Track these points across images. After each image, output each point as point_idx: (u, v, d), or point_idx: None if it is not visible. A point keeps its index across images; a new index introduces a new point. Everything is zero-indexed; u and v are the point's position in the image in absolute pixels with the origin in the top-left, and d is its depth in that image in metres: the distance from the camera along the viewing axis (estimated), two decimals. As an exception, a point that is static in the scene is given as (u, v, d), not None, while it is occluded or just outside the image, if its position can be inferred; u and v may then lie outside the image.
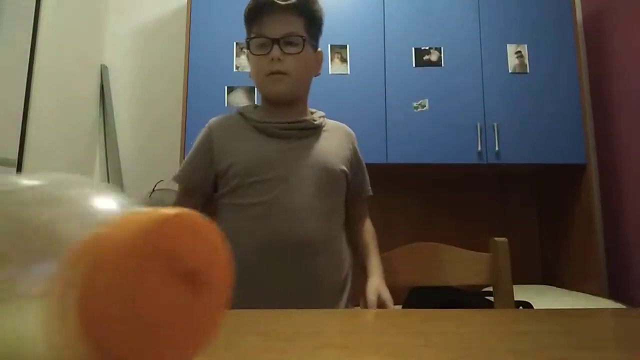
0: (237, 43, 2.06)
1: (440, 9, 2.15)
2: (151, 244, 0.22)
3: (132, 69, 2.52)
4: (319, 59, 1.16)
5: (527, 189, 2.44)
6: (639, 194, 2.04)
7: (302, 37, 1.03)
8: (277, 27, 1.00)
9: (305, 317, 0.43)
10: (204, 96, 2.03)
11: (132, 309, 0.20)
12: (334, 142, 1.09)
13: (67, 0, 2.13)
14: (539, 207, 2.41)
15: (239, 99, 2.04)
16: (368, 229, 1.14)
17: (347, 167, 1.07)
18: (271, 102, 1.06)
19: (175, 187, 1.11)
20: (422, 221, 2.39)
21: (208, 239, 0.26)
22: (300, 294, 0.91)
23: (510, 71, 2.10)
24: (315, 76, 1.16)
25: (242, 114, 1.07)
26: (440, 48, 2.11)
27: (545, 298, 1.84)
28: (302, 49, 1.03)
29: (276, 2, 1.00)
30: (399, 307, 1.90)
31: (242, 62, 2.06)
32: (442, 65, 2.10)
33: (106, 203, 0.25)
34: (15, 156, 1.77)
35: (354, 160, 1.12)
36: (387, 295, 0.93)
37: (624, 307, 1.78)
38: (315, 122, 1.08)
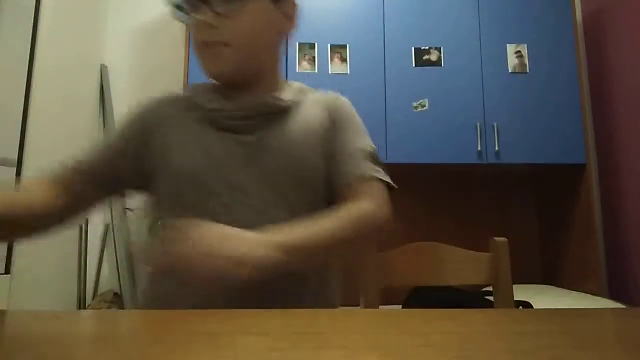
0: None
1: (440, 9, 2.15)
2: None
3: (132, 68, 2.52)
4: (286, 11, 0.78)
5: (527, 189, 2.44)
6: (639, 194, 2.04)
7: None
8: None
9: (305, 317, 0.43)
10: (204, 96, 2.03)
11: None
12: (309, 123, 0.78)
13: (67, 0, 2.13)
14: (539, 207, 2.41)
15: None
16: (347, 208, 0.71)
17: (324, 153, 0.78)
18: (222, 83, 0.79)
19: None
20: (422, 221, 2.39)
21: None
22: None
23: (510, 71, 2.10)
24: (287, 35, 0.81)
25: (187, 96, 0.81)
26: (440, 48, 2.11)
27: (545, 298, 1.84)
28: (244, 3, 0.72)
29: None
30: (399, 306, 1.90)
31: (242, 62, 2.06)
32: (442, 65, 2.10)
33: None
34: (15, 156, 1.77)
35: (337, 138, 0.79)
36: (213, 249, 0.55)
37: (624, 307, 1.78)
38: (283, 103, 0.78)
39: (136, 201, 2.25)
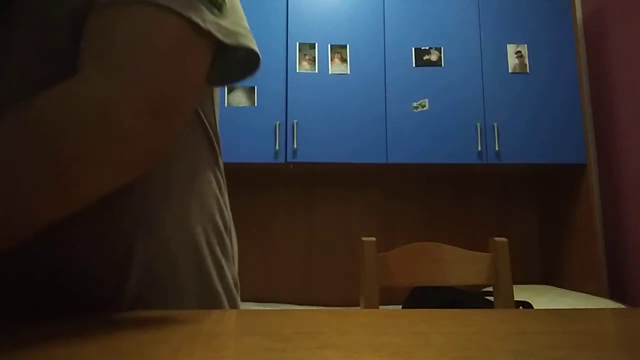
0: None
1: (440, 9, 2.15)
2: None
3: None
4: None
5: (527, 189, 2.44)
6: (639, 194, 2.04)
7: None
8: None
9: (305, 317, 0.43)
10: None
11: None
12: None
13: None
14: (539, 207, 2.41)
15: (239, 99, 2.04)
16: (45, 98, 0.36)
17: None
18: None
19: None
20: (422, 221, 2.39)
21: None
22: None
23: (510, 71, 2.10)
24: None
25: None
26: (441, 48, 2.11)
27: (545, 298, 1.84)
28: None
29: None
30: (399, 306, 1.90)
31: (242, 62, 2.06)
32: (442, 65, 2.10)
33: None
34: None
35: None
36: None
37: (624, 307, 1.78)
38: None
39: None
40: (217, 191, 0.56)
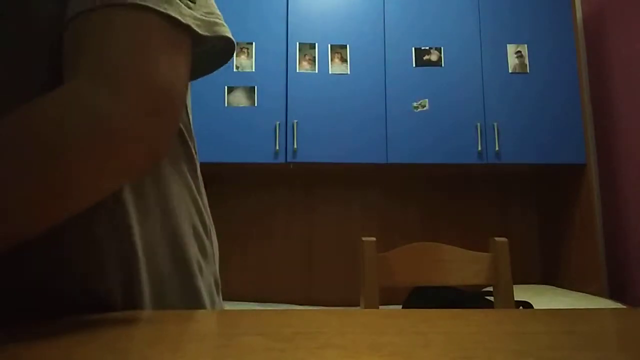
0: (237, 43, 2.06)
1: (440, 9, 2.15)
2: None
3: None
4: None
5: (527, 189, 2.44)
6: (639, 194, 2.04)
7: None
8: None
9: (305, 317, 0.43)
10: (203, 96, 2.03)
11: None
12: None
13: None
14: (539, 207, 2.41)
15: (239, 99, 2.04)
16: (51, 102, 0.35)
17: None
18: None
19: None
20: (422, 221, 2.39)
21: None
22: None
23: (510, 71, 2.11)
24: None
25: None
26: (441, 48, 2.11)
27: (545, 298, 1.85)
28: None
29: None
30: (399, 306, 1.90)
31: (242, 62, 2.06)
32: (442, 65, 2.10)
33: None
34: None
35: None
36: None
37: (624, 307, 1.78)
38: None
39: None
40: (195, 191, 0.55)
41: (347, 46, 2.11)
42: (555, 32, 2.14)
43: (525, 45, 2.13)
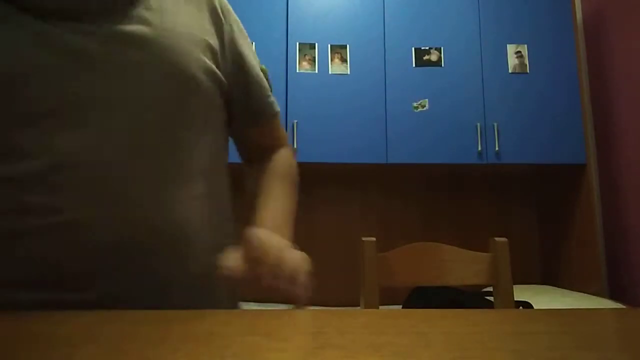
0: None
1: (440, 9, 2.15)
2: None
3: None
4: None
5: (527, 189, 2.44)
6: (639, 194, 2.04)
7: None
8: None
9: (305, 317, 0.43)
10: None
11: None
12: (181, 15, 0.57)
13: None
14: (539, 207, 2.41)
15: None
16: (279, 165, 0.70)
17: (213, 64, 0.58)
18: None
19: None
20: (422, 221, 2.39)
21: None
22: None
23: (510, 71, 2.11)
24: None
25: None
26: (441, 48, 2.12)
27: (545, 298, 1.85)
28: None
29: None
30: (399, 306, 1.90)
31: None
32: (442, 65, 2.10)
33: None
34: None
35: (232, 48, 0.63)
36: (291, 255, 0.51)
37: (624, 307, 1.78)
38: None
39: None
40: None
41: (347, 46, 2.11)
42: (555, 32, 2.14)
43: (525, 46, 2.13)
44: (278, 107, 0.73)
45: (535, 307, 1.69)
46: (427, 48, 2.12)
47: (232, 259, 0.49)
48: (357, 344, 0.32)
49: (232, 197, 0.69)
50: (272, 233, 0.55)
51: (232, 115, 0.68)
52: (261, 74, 0.69)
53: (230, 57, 0.63)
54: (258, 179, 0.69)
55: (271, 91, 0.71)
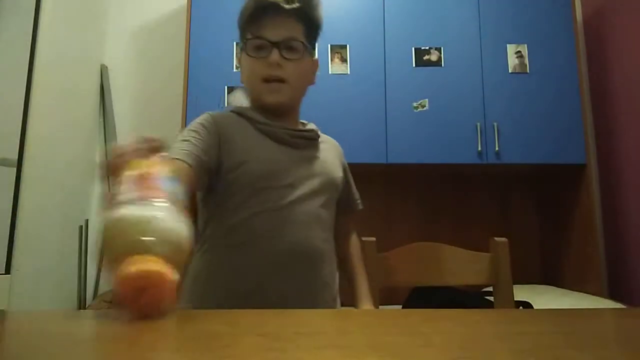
0: (237, 43, 2.06)
1: (440, 9, 2.15)
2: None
3: (132, 69, 2.52)
4: (315, 68, 1.09)
5: (527, 189, 2.44)
6: (639, 194, 2.04)
7: (302, 42, 0.98)
8: (278, 30, 0.95)
9: (305, 317, 0.43)
10: (204, 96, 2.03)
11: None
12: (331, 154, 1.08)
13: (67, 0, 2.13)
14: (539, 207, 2.41)
15: (239, 99, 2.04)
16: (356, 245, 1.13)
17: (342, 180, 1.09)
18: (266, 110, 0.99)
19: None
20: (422, 221, 2.39)
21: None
22: (306, 301, 0.89)
23: (510, 71, 2.10)
24: (310, 85, 1.08)
25: (240, 113, 0.99)
26: (441, 48, 2.11)
27: (545, 298, 1.84)
28: (302, 55, 0.98)
29: (281, 5, 0.94)
30: (399, 306, 1.90)
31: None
32: (442, 65, 2.10)
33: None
34: (16, 156, 1.77)
35: (344, 173, 1.12)
36: None
37: (623, 307, 1.78)
38: (316, 134, 1.06)
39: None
40: None
41: (347, 46, 2.11)
42: (555, 32, 2.14)
43: (525, 45, 2.12)
44: (359, 207, 1.17)
45: (535, 307, 1.69)
46: (427, 48, 2.12)
47: None
48: (357, 344, 0.32)
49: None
50: (370, 307, 1.01)
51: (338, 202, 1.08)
52: (354, 186, 1.19)
53: (344, 177, 1.12)
54: (349, 252, 1.12)
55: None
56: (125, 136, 2.42)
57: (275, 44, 0.94)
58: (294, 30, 0.97)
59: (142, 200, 0.47)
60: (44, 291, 1.94)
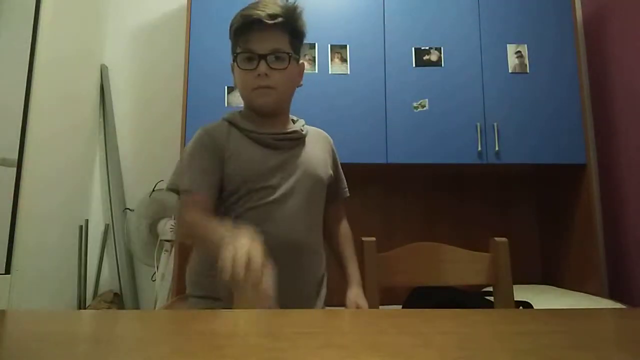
0: (237, 43, 2.06)
1: (440, 9, 2.15)
2: None
3: (132, 68, 2.52)
4: (301, 71, 1.17)
5: (527, 189, 2.44)
6: (639, 193, 2.04)
7: (288, 53, 1.07)
8: (264, 43, 1.04)
9: (305, 317, 0.43)
10: (203, 96, 2.03)
11: None
12: (318, 148, 1.17)
13: (67, 0, 2.13)
14: (539, 207, 2.41)
15: (239, 99, 2.03)
16: (345, 232, 1.25)
17: (331, 172, 1.18)
18: (257, 113, 1.10)
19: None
20: (422, 221, 2.39)
21: None
22: (288, 290, 0.93)
23: (510, 71, 2.10)
24: (298, 87, 1.17)
25: (230, 121, 1.10)
26: (441, 48, 2.11)
27: (545, 298, 1.85)
28: (288, 64, 1.07)
29: (264, 20, 1.03)
30: (399, 306, 1.90)
31: (242, 62, 2.06)
32: (442, 65, 2.10)
33: None
34: (15, 156, 1.77)
35: (333, 164, 1.22)
36: (363, 303, 1.03)
37: (623, 307, 1.78)
38: (303, 132, 1.14)
39: (135, 201, 2.25)
40: None
41: (347, 46, 2.11)
42: (555, 32, 2.14)
43: (525, 46, 2.12)
44: (346, 195, 1.28)
45: (535, 306, 1.69)
46: (427, 48, 2.12)
47: None
48: (357, 344, 0.32)
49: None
50: (358, 289, 1.09)
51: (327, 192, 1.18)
52: (342, 174, 1.28)
53: (332, 168, 1.21)
54: (339, 239, 1.23)
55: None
56: (126, 136, 2.43)
57: (263, 56, 1.04)
58: (279, 42, 1.06)
59: None
60: (44, 291, 1.94)
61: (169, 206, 2.19)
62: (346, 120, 2.03)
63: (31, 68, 1.86)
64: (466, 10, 2.15)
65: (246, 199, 1.02)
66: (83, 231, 2.27)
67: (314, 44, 2.09)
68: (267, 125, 1.09)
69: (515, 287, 1.05)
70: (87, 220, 2.32)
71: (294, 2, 1.13)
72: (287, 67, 1.06)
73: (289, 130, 1.11)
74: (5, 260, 1.70)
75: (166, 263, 2.08)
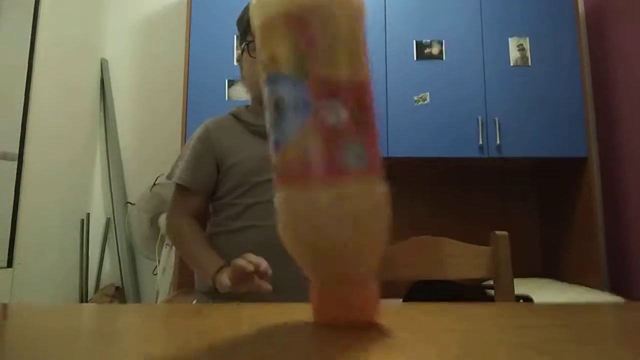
0: (237, 36, 2.05)
1: (441, 2, 2.13)
2: None
3: (133, 62, 2.51)
4: None
5: (528, 183, 2.44)
6: (640, 187, 2.03)
7: None
8: None
9: (305, 311, 0.43)
10: (204, 89, 2.03)
11: None
12: None
13: (67, -7, 2.12)
14: (540, 200, 2.41)
15: (239, 93, 2.03)
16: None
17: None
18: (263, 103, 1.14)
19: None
20: (422, 215, 2.39)
21: None
22: (293, 287, 0.93)
23: (511, 64, 2.09)
24: None
25: (235, 116, 1.11)
26: (442, 41, 2.10)
27: (545, 292, 1.85)
28: None
29: None
30: (400, 300, 1.91)
31: (243, 56, 2.05)
32: (444, 58, 2.09)
33: None
34: (16, 150, 1.77)
35: None
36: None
37: (624, 300, 1.78)
38: None
39: (137, 195, 2.25)
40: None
41: (348, 39, 2.10)
42: (557, 25, 2.13)
43: (527, 39, 2.11)
44: None
45: (535, 300, 1.70)
46: (428, 41, 2.11)
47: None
48: (358, 340, 0.32)
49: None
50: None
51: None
52: None
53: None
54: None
55: None
56: (127, 130, 2.42)
57: None
58: None
59: None
60: (45, 284, 1.95)
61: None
62: (347, 114, 2.03)
63: (31, 62, 1.85)
64: (467, 3, 2.13)
65: (252, 193, 1.02)
66: (84, 225, 2.27)
67: (315, 37, 2.08)
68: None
69: (515, 280, 1.05)
70: (88, 214, 2.32)
71: None
72: None
73: None
74: (7, 254, 1.71)
75: (167, 257, 2.09)
